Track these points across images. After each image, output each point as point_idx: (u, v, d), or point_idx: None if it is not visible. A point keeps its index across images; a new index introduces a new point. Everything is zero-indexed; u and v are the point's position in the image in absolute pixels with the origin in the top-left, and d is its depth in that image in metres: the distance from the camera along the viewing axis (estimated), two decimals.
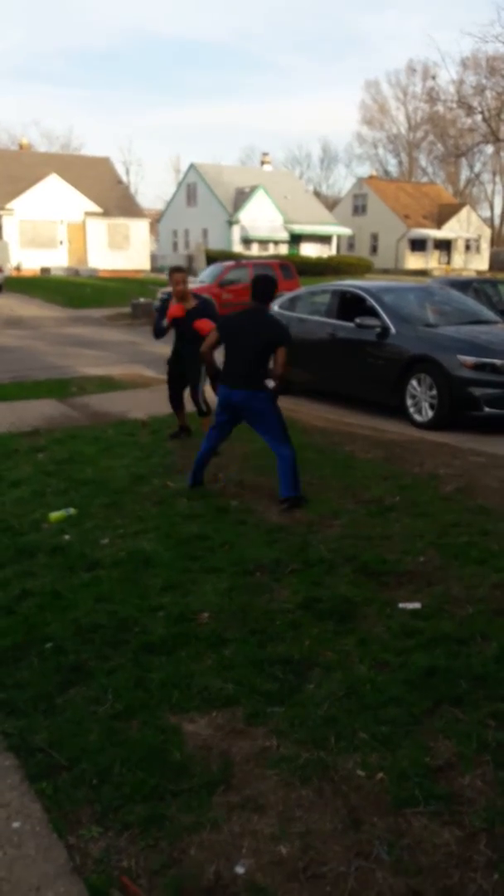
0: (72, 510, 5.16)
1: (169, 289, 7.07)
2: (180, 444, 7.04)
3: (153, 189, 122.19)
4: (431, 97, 30.88)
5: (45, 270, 37.46)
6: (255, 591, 3.96)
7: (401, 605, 3.80)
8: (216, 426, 5.65)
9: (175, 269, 6.89)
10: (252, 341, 5.32)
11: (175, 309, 6.83)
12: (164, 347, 8.24)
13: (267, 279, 5.52)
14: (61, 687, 3.09)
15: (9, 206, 37.71)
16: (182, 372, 7.13)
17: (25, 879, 2.16)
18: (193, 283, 20.42)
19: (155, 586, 4.01)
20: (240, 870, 2.20)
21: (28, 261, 38.11)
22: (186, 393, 7.22)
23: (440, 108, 32.58)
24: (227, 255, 34.92)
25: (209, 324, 6.28)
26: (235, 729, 2.84)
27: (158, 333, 7.12)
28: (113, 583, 4.05)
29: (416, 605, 3.80)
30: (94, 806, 2.44)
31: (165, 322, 6.94)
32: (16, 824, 2.37)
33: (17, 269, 37.35)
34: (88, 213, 39.65)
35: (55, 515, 5.06)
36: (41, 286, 29.87)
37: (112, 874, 2.18)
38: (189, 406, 7.26)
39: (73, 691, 3.07)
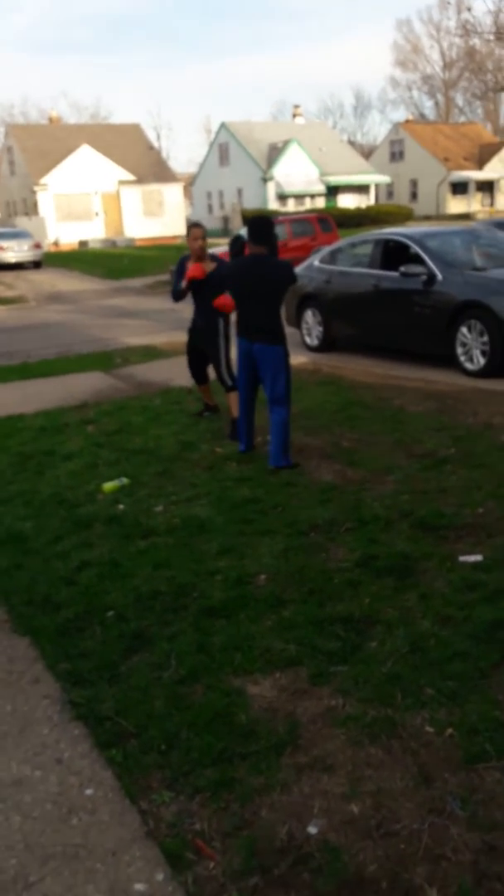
0: (125, 480, 5.18)
1: (188, 254, 6.50)
2: (225, 409, 6.98)
3: (185, 152, 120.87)
4: (467, 30, 29.47)
5: (82, 243, 37.55)
6: (310, 551, 3.93)
7: (461, 559, 3.72)
8: (242, 386, 5.46)
9: (193, 225, 6.22)
10: (261, 289, 5.10)
11: (194, 269, 6.05)
12: None
13: (258, 219, 5.28)
14: (125, 654, 3.12)
15: (42, 181, 37.78)
16: (199, 345, 6.50)
17: (101, 845, 2.20)
18: None
19: (210, 551, 4.01)
20: (312, 830, 2.19)
21: (65, 235, 38.25)
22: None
23: (476, 41, 31.10)
24: (263, 214, 34.39)
25: (231, 301, 5.64)
26: (300, 689, 2.83)
27: (177, 297, 6.34)
28: (169, 549, 4.06)
29: (478, 558, 3.71)
30: (163, 771, 2.46)
31: (184, 283, 6.17)
32: (89, 791, 2.41)
33: (56, 243, 37.53)
34: (122, 182, 39.48)
35: (109, 486, 5.09)
36: (80, 259, 29.97)
37: (186, 837, 2.20)
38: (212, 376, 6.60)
39: (137, 658, 3.09)
